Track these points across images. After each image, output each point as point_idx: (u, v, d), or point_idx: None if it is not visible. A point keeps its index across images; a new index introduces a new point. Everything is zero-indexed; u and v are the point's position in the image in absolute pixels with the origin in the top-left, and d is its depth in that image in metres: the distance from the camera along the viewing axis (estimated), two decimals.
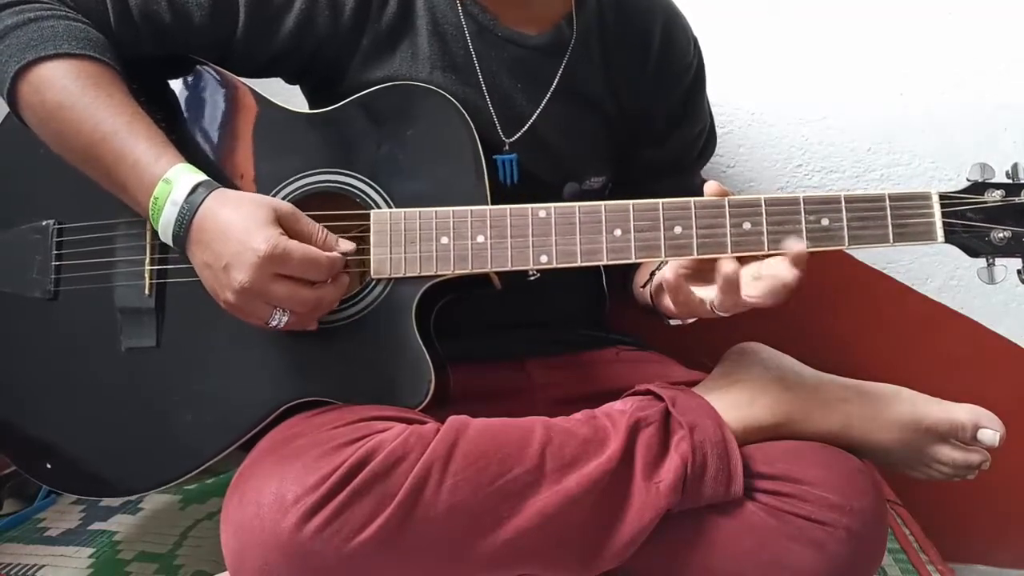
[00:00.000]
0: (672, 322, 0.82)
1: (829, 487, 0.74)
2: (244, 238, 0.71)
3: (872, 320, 1.30)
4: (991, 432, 0.79)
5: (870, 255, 1.26)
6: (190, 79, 0.86)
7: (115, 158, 0.75)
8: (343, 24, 0.85)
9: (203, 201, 0.73)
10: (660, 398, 0.80)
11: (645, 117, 0.96)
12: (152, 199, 0.74)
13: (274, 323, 0.74)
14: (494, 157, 0.87)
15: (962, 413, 0.80)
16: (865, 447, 0.82)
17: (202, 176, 0.75)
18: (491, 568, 0.70)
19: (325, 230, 0.76)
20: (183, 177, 0.74)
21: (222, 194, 0.75)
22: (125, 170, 0.75)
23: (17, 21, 0.76)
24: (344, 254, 0.76)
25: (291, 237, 0.73)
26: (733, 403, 0.82)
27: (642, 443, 0.74)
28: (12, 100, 0.78)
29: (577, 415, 0.78)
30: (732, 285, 0.72)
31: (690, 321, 0.81)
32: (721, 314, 0.75)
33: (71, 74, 0.76)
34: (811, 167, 1.28)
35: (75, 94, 0.75)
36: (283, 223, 0.74)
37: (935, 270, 1.27)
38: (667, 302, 0.79)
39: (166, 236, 0.75)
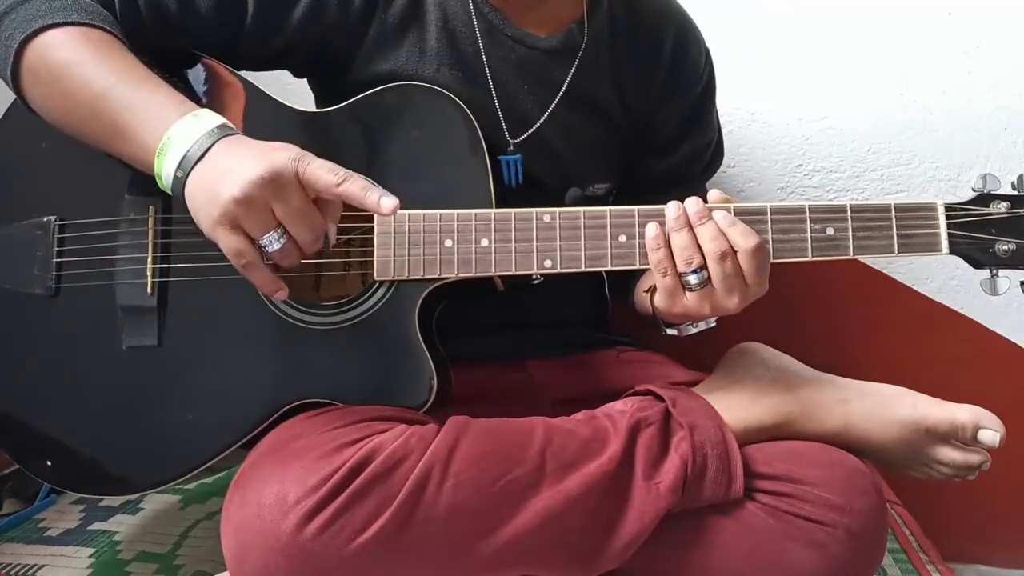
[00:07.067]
0: (669, 331, 0.82)
1: (829, 487, 0.74)
2: (266, 148, 0.67)
3: (872, 320, 1.30)
4: (991, 433, 0.79)
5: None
6: (188, 74, 0.85)
7: (128, 102, 0.71)
8: (352, 14, 0.84)
9: (225, 136, 0.69)
10: (660, 398, 0.80)
11: (652, 126, 0.96)
12: (166, 136, 0.69)
13: (266, 243, 0.68)
14: (498, 157, 0.87)
15: (963, 414, 0.80)
16: (865, 447, 0.82)
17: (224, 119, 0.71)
18: (492, 569, 0.70)
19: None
20: (211, 115, 0.70)
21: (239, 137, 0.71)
22: (138, 113, 0.71)
23: None
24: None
25: None
26: (734, 403, 0.82)
27: (642, 444, 0.74)
28: (15, 71, 0.75)
29: (578, 415, 0.79)
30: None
31: (688, 333, 0.81)
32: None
33: (79, 37, 0.74)
34: (811, 167, 1.28)
35: (83, 52, 0.73)
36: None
37: (935, 270, 1.27)
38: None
39: (169, 174, 0.69)
